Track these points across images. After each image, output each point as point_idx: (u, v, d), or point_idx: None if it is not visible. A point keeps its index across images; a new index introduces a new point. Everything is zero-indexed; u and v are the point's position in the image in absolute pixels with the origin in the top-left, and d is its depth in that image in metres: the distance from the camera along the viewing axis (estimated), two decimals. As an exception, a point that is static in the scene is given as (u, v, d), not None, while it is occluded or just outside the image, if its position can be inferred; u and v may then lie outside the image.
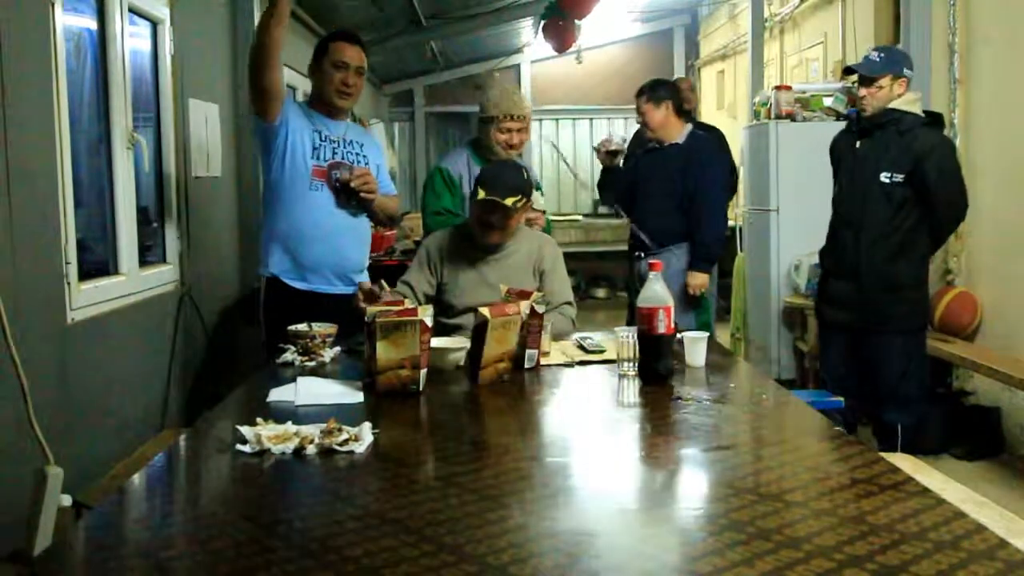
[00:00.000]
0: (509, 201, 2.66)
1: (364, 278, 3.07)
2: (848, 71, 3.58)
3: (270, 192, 2.99)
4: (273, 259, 2.98)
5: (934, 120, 3.55)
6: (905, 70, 3.44)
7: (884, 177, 3.45)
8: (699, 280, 3.97)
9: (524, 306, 2.13)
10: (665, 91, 4.09)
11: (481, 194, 2.66)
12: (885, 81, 3.40)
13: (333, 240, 2.95)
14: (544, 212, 3.32)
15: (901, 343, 3.58)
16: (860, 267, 3.52)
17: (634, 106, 4.19)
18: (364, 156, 3.04)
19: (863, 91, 3.45)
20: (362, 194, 2.92)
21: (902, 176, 3.42)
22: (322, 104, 3.01)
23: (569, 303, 2.87)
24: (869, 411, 3.80)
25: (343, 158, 2.98)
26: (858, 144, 3.54)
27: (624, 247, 4.58)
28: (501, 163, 2.97)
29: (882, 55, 3.46)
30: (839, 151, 3.69)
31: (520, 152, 3.34)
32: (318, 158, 2.93)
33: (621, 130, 10.52)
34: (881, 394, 3.65)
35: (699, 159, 4.02)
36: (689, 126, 4.15)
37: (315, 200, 2.92)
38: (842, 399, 3.54)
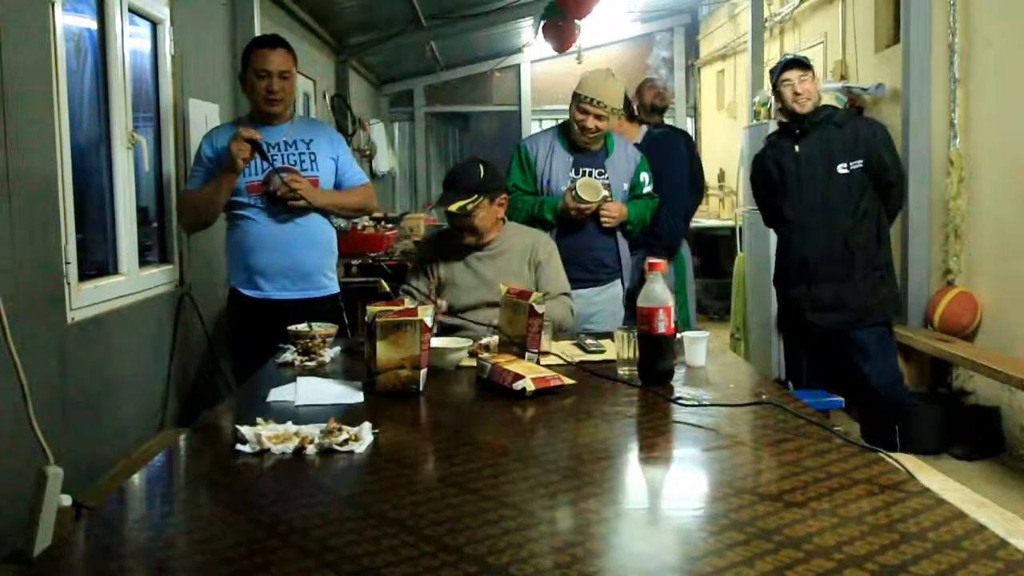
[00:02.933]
0: (455, 207, 2.68)
1: (329, 281, 3.09)
2: (796, 62, 3.55)
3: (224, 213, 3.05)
4: (231, 271, 3.05)
5: (858, 111, 3.66)
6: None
7: (842, 168, 3.48)
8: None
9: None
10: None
11: (453, 205, 2.70)
12: (811, 75, 3.48)
13: (282, 247, 2.95)
14: (597, 201, 3.13)
15: (883, 332, 3.61)
16: (845, 261, 3.52)
17: None
18: (312, 154, 2.99)
19: (807, 85, 3.47)
20: (290, 203, 2.89)
21: (860, 162, 3.46)
22: (258, 112, 3.00)
23: (567, 294, 2.87)
24: (860, 412, 3.80)
25: (284, 161, 2.94)
26: (797, 148, 3.55)
27: None
28: (466, 161, 2.92)
29: (797, 53, 3.55)
30: (769, 166, 3.65)
31: (597, 139, 3.24)
32: (251, 174, 2.90)
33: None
34: (872, 392, 3.64)
35: (657, 155, 3.88)
36: (644, 128, 4.08)
37: (256, 213, 2.93)
38: (842, 399, 3.55)
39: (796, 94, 3.48)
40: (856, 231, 3.50)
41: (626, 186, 3.32)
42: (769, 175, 3.66)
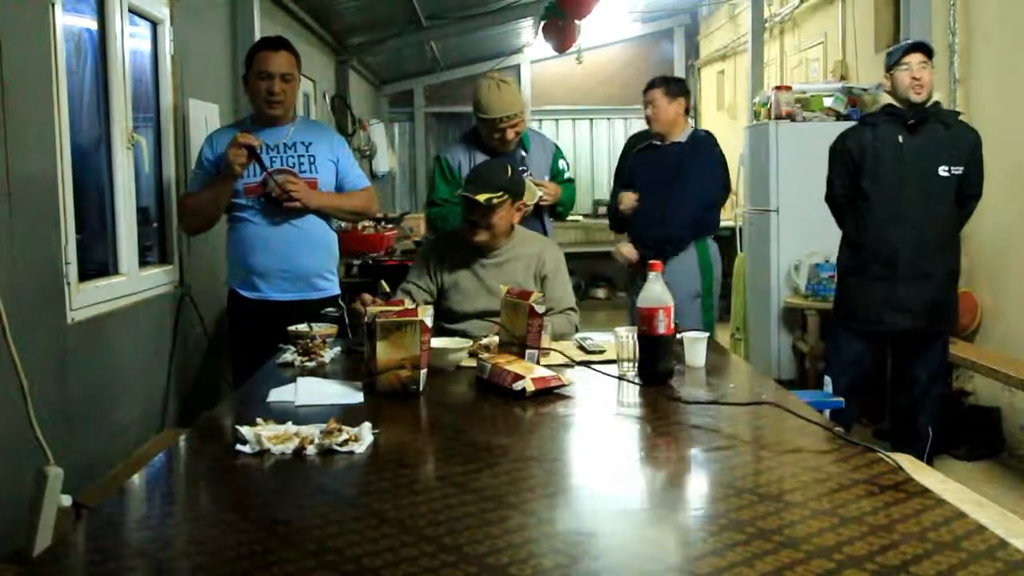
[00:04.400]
0: (482, 197, 2.63)
1: (329, 282, 3.10)
2: (922, 46, 3.41)
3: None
4: (230, 271, 3.07)
5: (958, 114, 3.56)
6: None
7: (943, 171, 3.37)
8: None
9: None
10: (680, 88, 3.92)
11: (480, 197, 2.67)
12: (931, 63, 3.34)
13: (279, 249, 2.96)
14: (532, 204, 3.15)
15: (944, 342, 3.55)
16: (931, 266, 3.43)
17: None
18: (311, 156, 2.99)
19: (926, 74, 3.33)
20: (284, 204, 2.89)
21: (961, 168, 3.36)
22: (259, 114, 3.01)
23: (573, 309, 2.84)
24: (899, 417, 3.72)
25: (284, 163, 2.95)
26: (900, 138, 3.41)
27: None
28: (490, 160, 2.95)
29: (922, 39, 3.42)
30: (865, 146, 3.48)
31: (514, 143, 3.28)
32: (249, 175, 2.91)
33: (622, 131, 10.52)
34: (912, 394, 3.59)
35: (703, 152, 3.85)
36: (691, 126, 4.02)
37: (253, 214, 2.95)
38: (842, 400, 3.52)
39: (915, 79, 3.33)
40: (945, 236, 3.43)
41: (547, 176, 3.41)
42: (864, 156, 3.48)
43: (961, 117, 3.62)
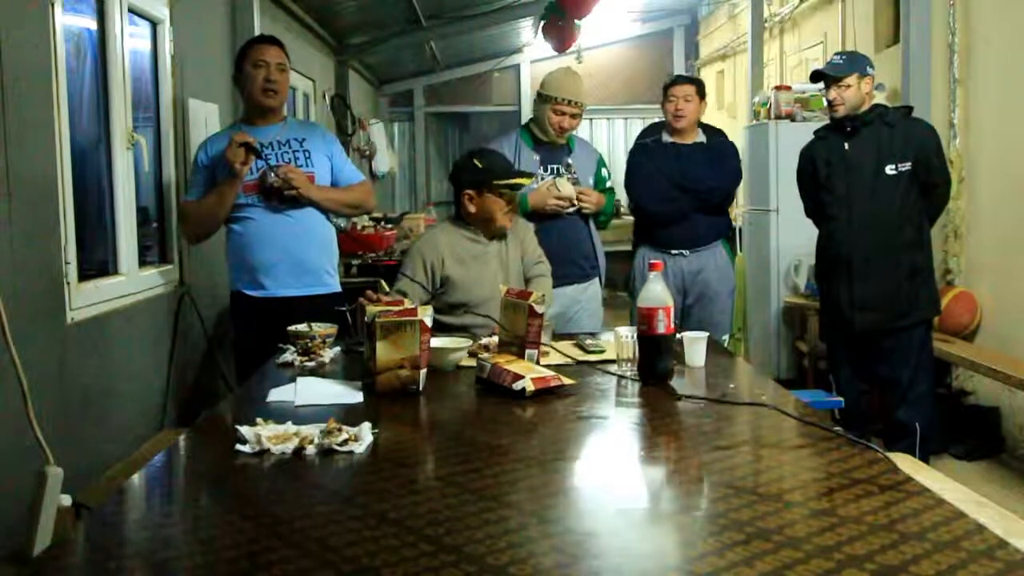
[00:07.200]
0: (527, 180, 2.90)
1: (331, 278, 3.11)
2: (816, 76, 3.56)
3: None
4: (233, 273, 3.08)
5: (909, 111, 3.65)
6: (868, 69, 3.50)
7: (890, 169, 3.46)
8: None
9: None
10: (703, 89, 3.80)
11: (526, 180, 2.86)
12: (851, 80, 3.45)
13: (283, 242, 2.97)
14: (573, 202, 3.29)
15: (920, 334, 3.59)
16: (888, 261, 3.50)
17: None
18: (306, 151, 3.03)
19: (832, 93, 3.49)
20: (286, 192, 2.91)
21: (908, 164, 3.45)
22: (253, 111, 3.04)
23: (541, 260, 2.99)
24: (882, 411, 3.75)
25: (279, 160, 2.97)
26: (847, 145, 3.54)
27: (625, 247, 4.40)
28: (488, 152, 3.00)
29: (844, 57, 3.54)
30: (817, 160, 3.64)
31: (566, 136, 3.39)
32: (247, 173, 2.92)
33: (622, 131, 10.53)
34: (895, 391, 3.61)
35: (727, 153, 3.86)
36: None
37: (253, 211, 2.96)
38: (842, 399, 3.53)
39: (829, 102, 3.53)
40: (900, 232, 3.49)
41: (591, 180, 3.42)
42: (816, 169, 3.64)
43: (915, 113, 3.73)
